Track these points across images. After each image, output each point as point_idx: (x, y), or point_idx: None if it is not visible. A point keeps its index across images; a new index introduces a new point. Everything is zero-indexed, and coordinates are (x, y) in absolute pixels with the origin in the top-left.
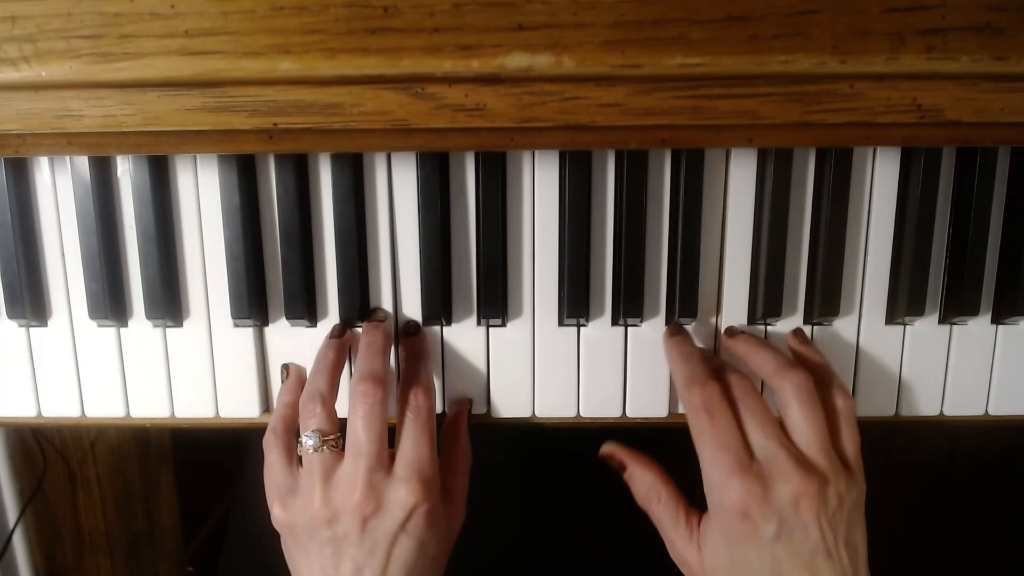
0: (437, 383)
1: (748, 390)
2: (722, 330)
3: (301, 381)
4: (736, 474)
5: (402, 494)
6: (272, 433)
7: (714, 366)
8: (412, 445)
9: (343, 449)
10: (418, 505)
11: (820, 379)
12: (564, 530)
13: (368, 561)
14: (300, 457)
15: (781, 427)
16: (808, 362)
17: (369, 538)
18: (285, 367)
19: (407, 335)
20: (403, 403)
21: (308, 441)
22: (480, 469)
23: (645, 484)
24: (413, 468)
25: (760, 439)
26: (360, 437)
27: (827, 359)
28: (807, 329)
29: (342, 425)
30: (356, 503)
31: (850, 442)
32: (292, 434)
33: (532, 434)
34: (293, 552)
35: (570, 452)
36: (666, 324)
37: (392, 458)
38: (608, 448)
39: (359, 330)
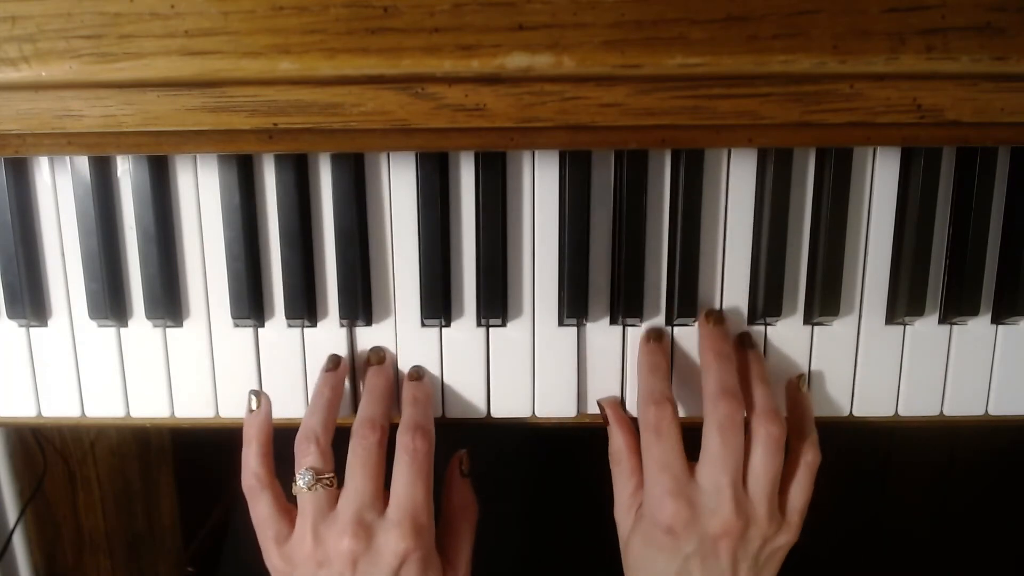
0: (437, 385)
1: (736, 423)
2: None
3: (270, 414)
4: (671, 495)
5: (393, 538)
6: (255, 479)
7: (721, 369)
8: (405, 488)
9: (339, 487)
10: (410, 552)
11: (800, 430)
12: (575, 547)
13: None
14: (295, 497)
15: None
16: (795, 410)
17: None
18: (255, 393)
19: (410, 380)
20: (400, 446)
21: (302, 480)
22: (489, 478)
23: (615, 445)
24: (406, 511)
25: (716, 469)
26: (356, 477)
27: (813, 416)
28: (807, 329)
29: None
30: (347, 544)
31: (801, 495)
32: (273, 475)
33: (544, 440)
34: None
35: (581, 465)
36: (666, 323)
37: (388, 501)
38: (604, 400)
39: (359, 334)
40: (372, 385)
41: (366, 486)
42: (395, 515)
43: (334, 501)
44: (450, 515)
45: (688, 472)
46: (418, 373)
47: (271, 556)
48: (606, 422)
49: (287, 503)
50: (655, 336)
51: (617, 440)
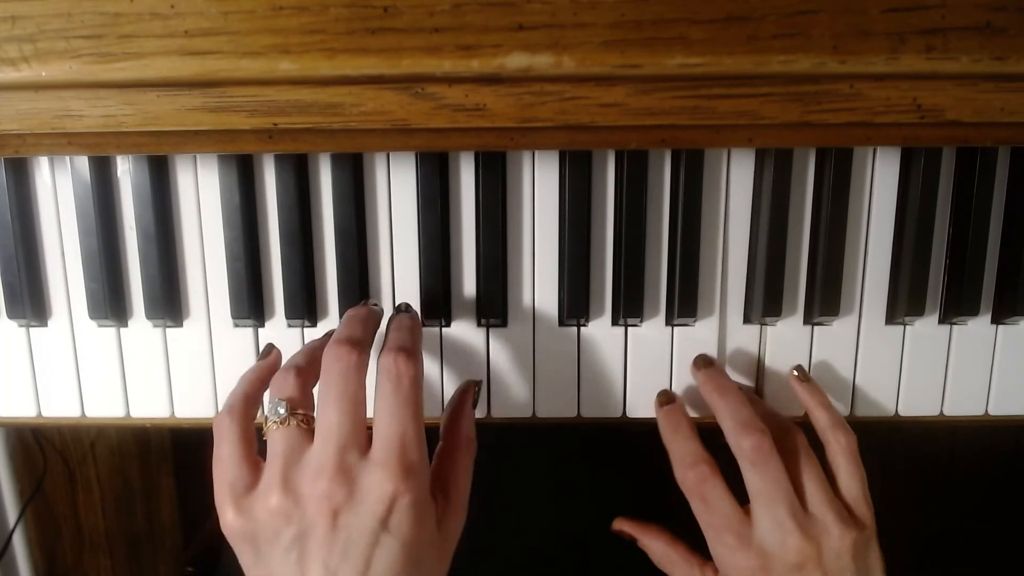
0: (437, 385)
1: (765, 452)
2: (721, 331)
3: (277, 366)
4: (737, 551)
5: (378, 479)
6: (228, 415)
7: (732, 404)
8: (390, 420)
9: (314, 431)
10: (398, 494)
11: (823, 420)
12: (584, 544)
13: (341, 566)
14: (264, 443)
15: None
16: (809, 402)
17: (342, 536)
18: (270, 345)
19: (397, 312)
20: (382, 371)
21: (273, 413)
22: (498, 475)
23: (658, 553)
24: (392, 447)
25: (764, 509)
26: (330, 411)
27: (828, 398)
28: (807, 329)
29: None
30: (323, 490)
31: (853, 482)
32: (251, 422)
33: (555, 439)
34: (251, 569)
35: (593, 459)
36: (666, 324)
37: (371, 439)
38: (618, 525)
39: None
40: (350, 313)
41: (343, 421)
42: (380, 454)
43: (308, 444)
44: (452, 445)
45: (746, 521)
46: (406, 306)
47: (225, 510)
48: (632, 539)
49: (256, 456)
50: (665, 400)
51: (655, 547)
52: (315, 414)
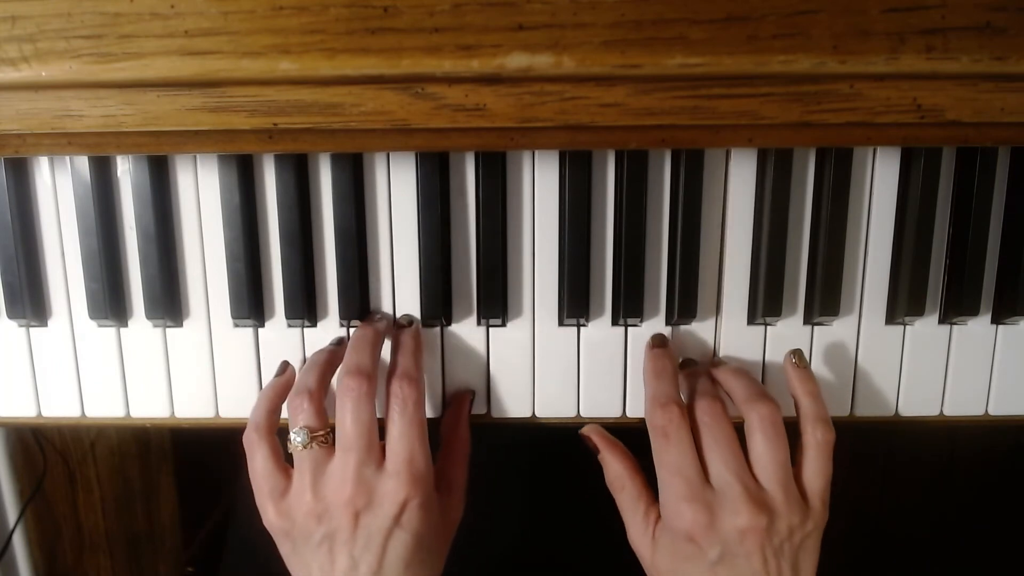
0: (437, 384)
1: (717, 415)
2: (721, 331)
3: (290, 384)
4: (686, 500)
5: (392, 488)
6: (256, 432)
7: (694, 383)
8: (400, 438)
9: (333, 444)
10: (410, 499)
11: (805, 408)
12: (568, 538)
13: (363, 555)
14: (290, 455)
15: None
16: (798, 389)
17: (363, 533)
18: (285, 363)
19: (399, 327)
20: (390, 395)
21: (297, 438)
22: (486, 473)
23: (613, 472)
24: (403, 462)
25: (719, 467)
26: (348, 431)
27: (818, 387)
28: (807, 329)
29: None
30: (347, 498)
31: (817, 477)
32: (275, 433)
33: (541, 437)
34: (290, 557)
35: (578, 457)
36: (666, 324)
37: (383, 451)
38: (587, 430)
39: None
40: (361, 335)
41: (360, 443)
42: (393, 467)
43: (330, 457)
44: (453, 448)
45: (703, 475)
46: (408, 320)
47: (268, 513)
48: (596, 451)
49: (284, 462)
50: (659, 342)
51: (613, 466)
52: (332, 427)
